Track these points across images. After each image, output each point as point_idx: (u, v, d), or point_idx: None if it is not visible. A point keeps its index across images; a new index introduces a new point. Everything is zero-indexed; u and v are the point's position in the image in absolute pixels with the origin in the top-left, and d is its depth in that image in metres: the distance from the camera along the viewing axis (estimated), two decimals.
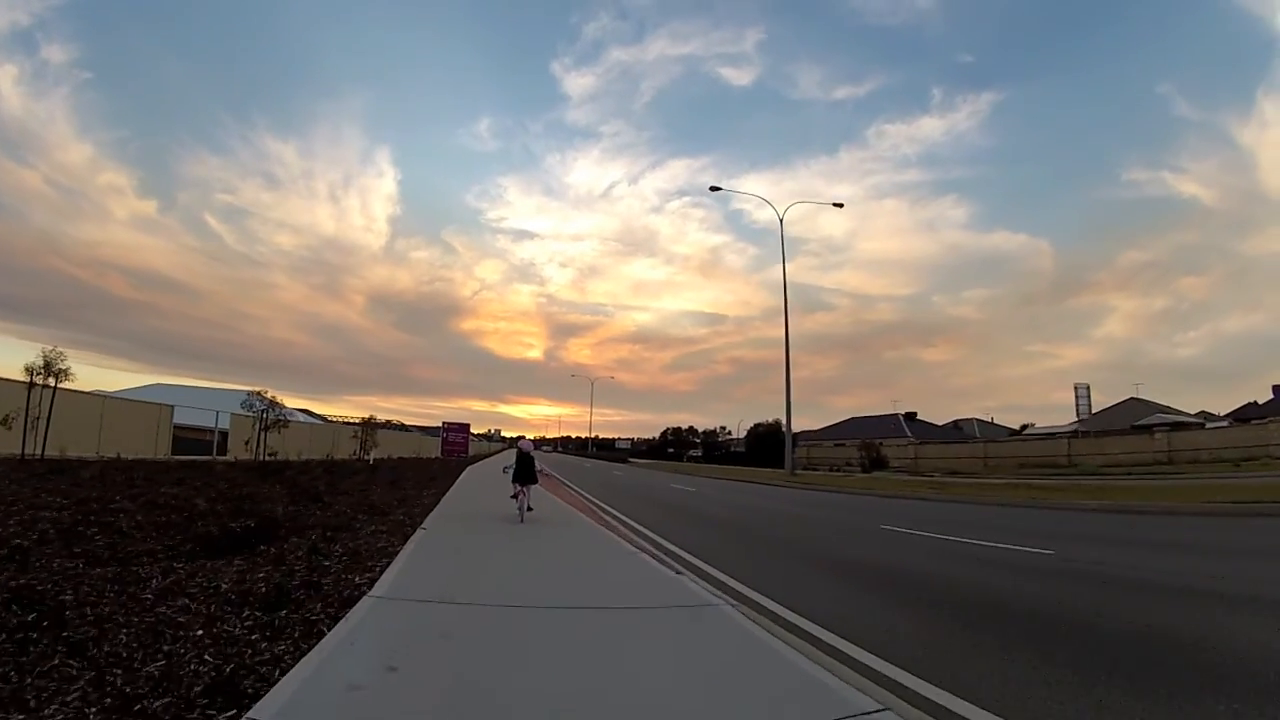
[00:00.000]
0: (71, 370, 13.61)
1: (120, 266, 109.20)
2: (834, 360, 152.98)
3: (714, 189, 33.34)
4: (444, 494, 13.06)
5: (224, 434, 20.82)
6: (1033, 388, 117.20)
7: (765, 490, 23.26)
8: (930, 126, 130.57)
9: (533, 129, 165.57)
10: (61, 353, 13.61)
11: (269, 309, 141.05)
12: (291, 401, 20.94)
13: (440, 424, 44.52)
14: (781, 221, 34.76)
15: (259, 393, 18.13)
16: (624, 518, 11.93)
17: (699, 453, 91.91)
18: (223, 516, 7.05)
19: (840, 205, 38.36)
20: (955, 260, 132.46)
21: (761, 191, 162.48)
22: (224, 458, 19.46)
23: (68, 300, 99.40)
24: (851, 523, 12.32)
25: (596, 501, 15.48)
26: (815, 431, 74.36)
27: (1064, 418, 59.49)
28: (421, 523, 7.90)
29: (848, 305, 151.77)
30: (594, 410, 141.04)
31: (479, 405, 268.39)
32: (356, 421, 24.62)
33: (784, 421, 33.71)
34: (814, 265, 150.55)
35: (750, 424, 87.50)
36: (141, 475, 11.29)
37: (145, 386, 35.43)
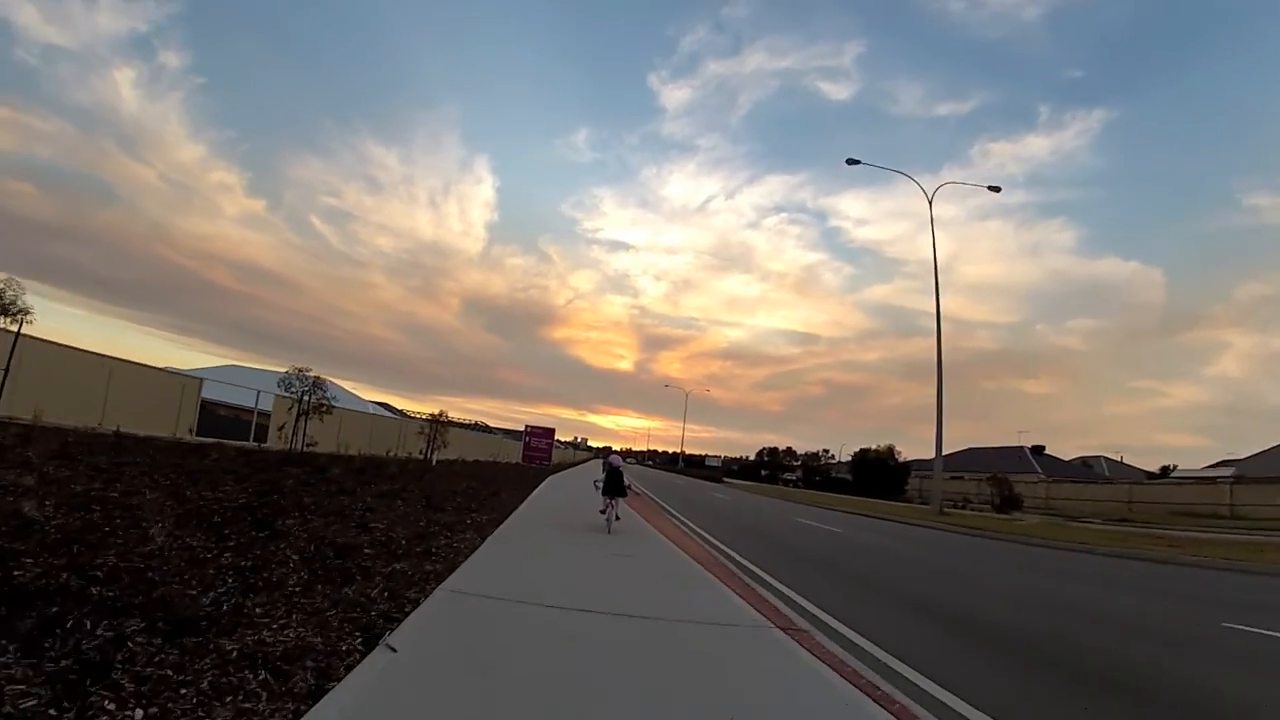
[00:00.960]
0: (32, 312, 10.43)
1: (227, 259, 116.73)
2: (928, 388, 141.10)
3: (851, 161, 27.91)
4: (502, 521, 8.87)
5: (266, 416, 18.22)
6: (1136, 427, 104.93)
7: (925, 536, 17.57)
8: (1036, 145, 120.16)
9: (629, 141, 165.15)
10: (18, 283, 10.39)
11: (366, 306, 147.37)
12: (372, 395, 18.03)
13: (523, 427, 41.58)
14: (931, 203, 29.09)
15: (301, 370, 14.87)
16: (781, 587, 7.27)
17: (794, 476, 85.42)
18: None
19: (998, 189, 31.71)
20: (1060, 287, 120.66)
21: (859, 212, 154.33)
22: (264, 444, 16.51)
23: (175, 286, 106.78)
24: (1174, 619, 7.15)
25: (718, 545, 10.81)
26: (925, 461, 66.59)
27: (1164, 459, 57.14)
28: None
29: (946, 331, 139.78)
30: (683, 425, 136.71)
31: (565, 413, 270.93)
32: (426, 417, 21.54)
33: (934, 445, 27.58)
34: (912, 288, 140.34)
35: (851, 448, 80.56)
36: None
37: (219, 367, 34.57)
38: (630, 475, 12.65)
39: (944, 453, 27.73)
